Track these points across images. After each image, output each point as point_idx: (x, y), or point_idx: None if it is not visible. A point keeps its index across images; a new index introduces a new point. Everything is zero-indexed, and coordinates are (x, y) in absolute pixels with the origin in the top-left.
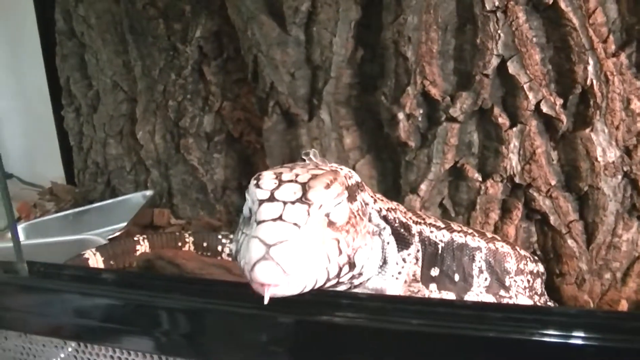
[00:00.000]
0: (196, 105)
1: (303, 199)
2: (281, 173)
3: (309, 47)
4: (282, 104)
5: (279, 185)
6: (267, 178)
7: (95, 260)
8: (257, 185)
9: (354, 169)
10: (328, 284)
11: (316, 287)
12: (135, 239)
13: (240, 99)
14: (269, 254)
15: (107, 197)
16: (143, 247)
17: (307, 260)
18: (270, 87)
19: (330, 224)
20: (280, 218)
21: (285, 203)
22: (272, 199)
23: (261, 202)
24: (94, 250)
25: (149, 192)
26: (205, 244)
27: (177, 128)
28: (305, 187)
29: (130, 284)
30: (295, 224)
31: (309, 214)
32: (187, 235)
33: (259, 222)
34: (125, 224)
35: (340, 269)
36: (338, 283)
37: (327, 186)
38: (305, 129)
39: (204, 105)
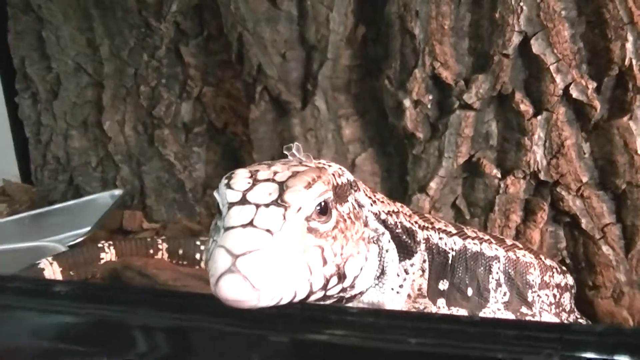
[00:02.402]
0: (172, 92)
1: (279, 200)
2: (257, 171)
3: (302, 23)
4: (272, 89)
5: (253, 185)
6: (241, 177)
7: (52, 271)
8: (228, 186)
9: (353, 164)
10: (313, 297)
11: (296, 299)
12: (100, 245)
13: (223, 84)
14: (236, 265)
15: (70, 197)
16: (109, 254)
17: (282, 272)
18: (258, 70)
19: (312, 229)
20: (250, 224)
21: (258, 206)
22: (243, 201)
23: (231, 205)
24: (50, 259)
25: (118, 192)
26: (181, 252)
27: (150, 118)
28: (282, 187)
29: (91, 297)
30: (267, 231)
31: (284, 219)
32: (160, 241)
33: (226, 229)
34: (89, 228)
35: (328, 281)
36: (326, 296)
37: (308, 185)
38: (298, 118)
39: (181, 92)
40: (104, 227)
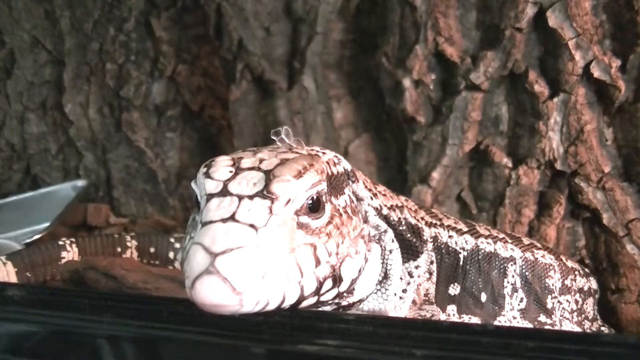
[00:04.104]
0: (142, 70)
1: (264, 192)
2: (241, 158)
3: None
4: (254, 67)
5: (236, 174)
6: (222, 165)
7: (6, 272)
8: (207, 175)
9: (346, 151)
10: (306, 303)
11: (285, 305)
12: (61, 243)
13: (199, 61)
14: (214, 265)
15: (26, 188)
16: (70, 253)
17: (268, 274)
18: (239, 45)
19: (303, 225)
20: (232, 218)
21: (240, 198)
22: (224, 192)
23: (210, 196)
24: (4, 258)
25: (81, 183)
26: (152, 250)
27: (117, 99)
28: (269, 176)
29: (47, 303)
30: (251, 226)
31: (271, 212)
32: (128, 238)
33: (204, 224)
34: (49, 223)
35: (321, 284)
36: (319, 302)
37: (299, 175)
38: (283, 100)
39: (152, 70)
40: (65, 223)
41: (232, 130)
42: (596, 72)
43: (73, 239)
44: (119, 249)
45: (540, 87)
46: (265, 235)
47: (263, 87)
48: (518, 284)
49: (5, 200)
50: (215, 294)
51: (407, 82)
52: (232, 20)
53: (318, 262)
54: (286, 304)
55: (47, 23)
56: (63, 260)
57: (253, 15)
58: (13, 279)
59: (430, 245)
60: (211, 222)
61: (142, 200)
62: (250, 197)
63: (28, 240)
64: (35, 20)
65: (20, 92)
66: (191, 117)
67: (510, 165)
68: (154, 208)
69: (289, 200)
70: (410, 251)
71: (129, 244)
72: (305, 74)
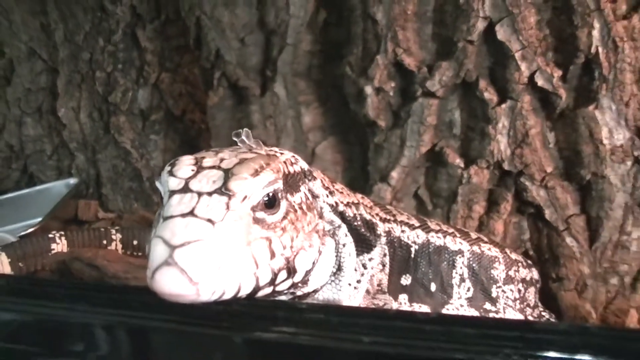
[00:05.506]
0: (129, 77)
1: (223, 189)
2: (203, 158)
3: (261, 7)
4: (230, 75)
5: (197, 172)
6: (184, 164)
7: (0, 262)
8: (170, 173)
9: (313, 153)
10: (262, 292)
11: (241, 294)
12: (51, 235)
13: (181, 69)
14: (173, 257)
15: (23, 186)
16: (60, 245)
17: (223, 265)
18: (216, 55)
19: (259, 220)
20: (191, 213)
21: (200, 194)
22: (185, 189)
23: (172, 193)
24: None
25: (73, 180)
26: (135, 242)
27: (106, 104)
28: (228, 174)
29: (27, 292)
30: (209, 220)
31: (228, 208)
32: (113, 231)
33: (165, 218)
34: (42, 218)
35: (276, 275)
36: (275, 292)
37: (255, 173)
38: (257, 105)
39: (138, 77)
40: (57, 217)
41: (211, 133)
42: (540, 81)
43: (62, 232)
44: (104, 242)
45: (490, 95)
46: (222, 229)
47: (238, 93)
48: (465, 275)
49: (4, 196)
50: (173, 284)
51: (369, 89)
52: (210, 32)
53: (273, 255)
54: (242, 294)
55: (43, 35)
56: (53, 252)
57: (229, 27)
58: (7, 268)
59: (383, 239)
60: (171, 216)
61: (129, 197)
62: (209, 194)
63: (22, 233)
64: (32, 33)
65: (18, 97)
66: (173, 121)
67: (462, 165)
68: (140, 204)
69: (245, 197)
70: (364, 244)
71: (113, 237)
72: (276, 81)
